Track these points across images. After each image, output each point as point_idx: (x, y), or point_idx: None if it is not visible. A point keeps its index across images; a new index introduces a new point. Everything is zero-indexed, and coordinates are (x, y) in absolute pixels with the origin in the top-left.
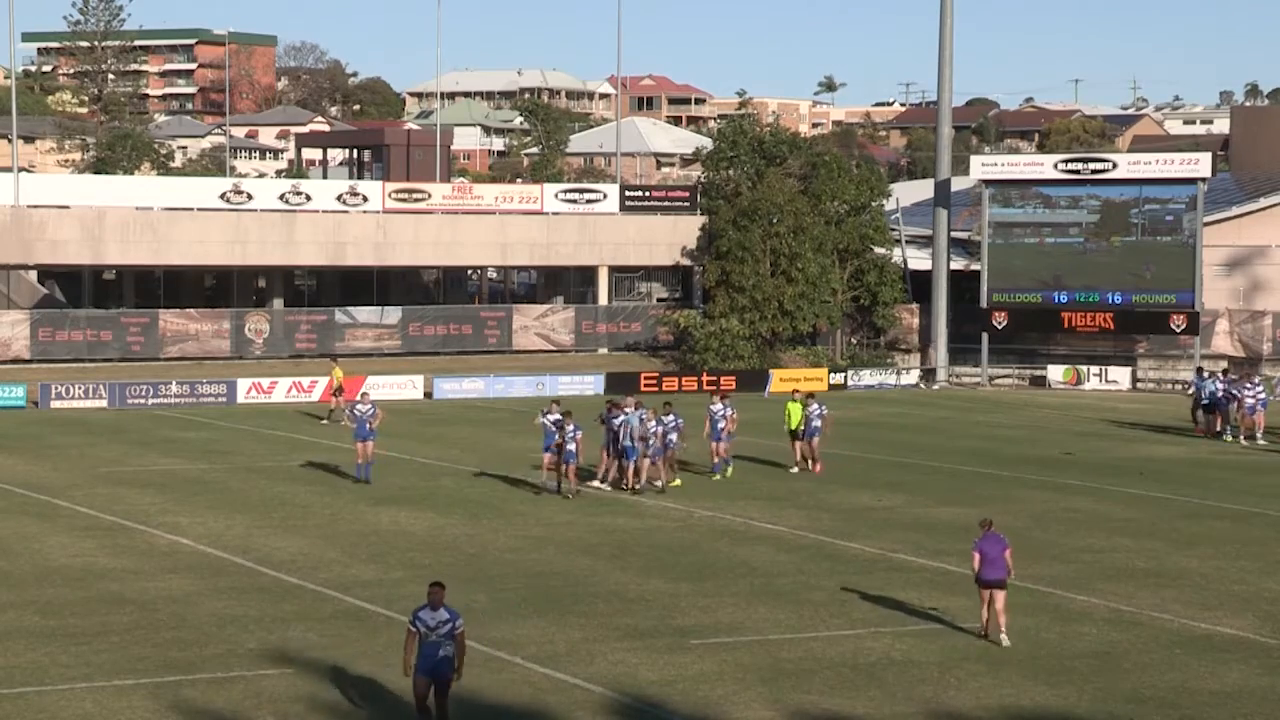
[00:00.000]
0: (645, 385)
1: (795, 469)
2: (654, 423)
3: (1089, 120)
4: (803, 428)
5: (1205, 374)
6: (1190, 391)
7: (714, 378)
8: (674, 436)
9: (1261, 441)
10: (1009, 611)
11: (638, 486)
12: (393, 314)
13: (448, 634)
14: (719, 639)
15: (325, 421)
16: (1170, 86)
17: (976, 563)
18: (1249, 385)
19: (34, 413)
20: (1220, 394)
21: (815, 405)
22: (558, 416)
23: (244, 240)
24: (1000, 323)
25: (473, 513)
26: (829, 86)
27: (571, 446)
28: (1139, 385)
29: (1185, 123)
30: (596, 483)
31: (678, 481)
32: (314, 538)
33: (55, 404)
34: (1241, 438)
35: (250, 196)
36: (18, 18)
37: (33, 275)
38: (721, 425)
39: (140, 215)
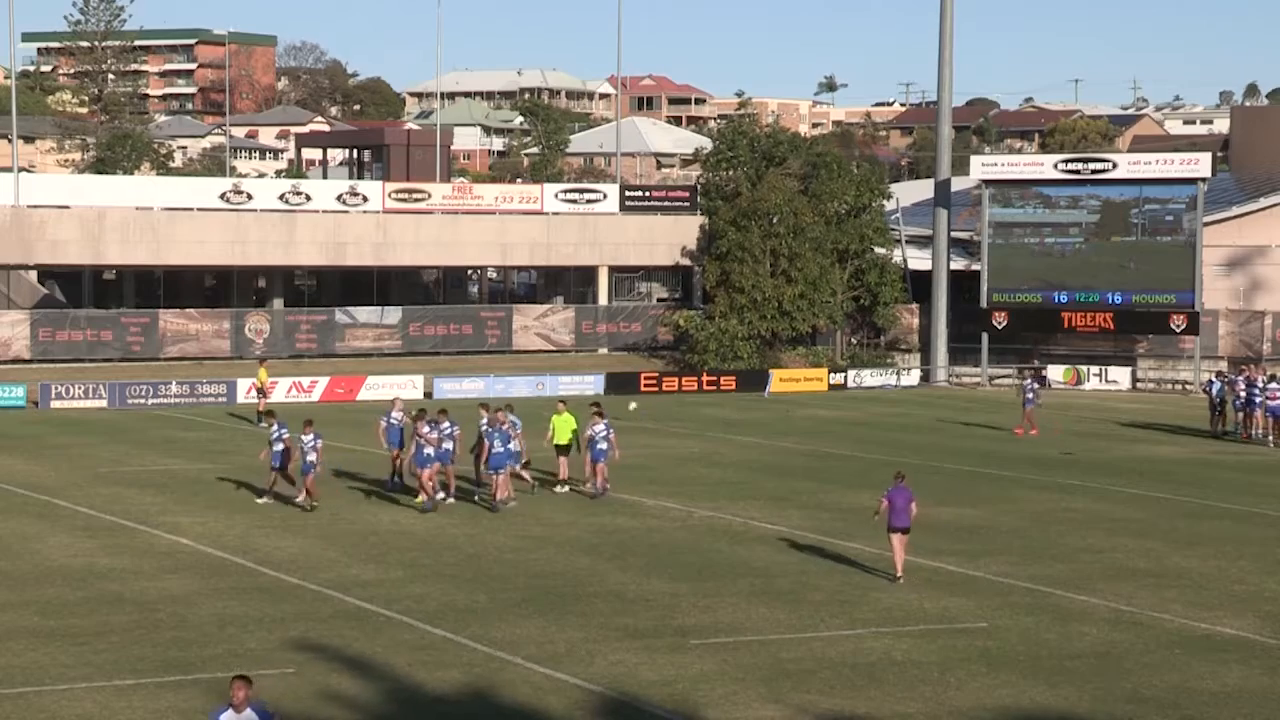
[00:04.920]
0: (645, 385)
1: (563, 488)
2: (427, 427)
3: (1092, 120)
4: (585, 448)
5: (1220, 377)
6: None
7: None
8: (448, 445)
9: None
10: (907, 553)
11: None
12: (393, 314)
13: None
14: (719, 639)
15: (263, 425)
16: (1170, 86)
17: (883, 508)
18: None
19: (34, 413)
20: (1219, 395)
21: (601, 425)
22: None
23: (244, 240)
24: (1000, 323)
25: (473, 513)
26: (829, 86)
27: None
28: (1139, 385)
29: (1185, 123)
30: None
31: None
32: (314, 538)
33: (55, 404)
34: (1271, 440)
35: (250, 196)
36: (18, 18)
37: (33, 275)
38: (503, 445)
39: (140, 215)
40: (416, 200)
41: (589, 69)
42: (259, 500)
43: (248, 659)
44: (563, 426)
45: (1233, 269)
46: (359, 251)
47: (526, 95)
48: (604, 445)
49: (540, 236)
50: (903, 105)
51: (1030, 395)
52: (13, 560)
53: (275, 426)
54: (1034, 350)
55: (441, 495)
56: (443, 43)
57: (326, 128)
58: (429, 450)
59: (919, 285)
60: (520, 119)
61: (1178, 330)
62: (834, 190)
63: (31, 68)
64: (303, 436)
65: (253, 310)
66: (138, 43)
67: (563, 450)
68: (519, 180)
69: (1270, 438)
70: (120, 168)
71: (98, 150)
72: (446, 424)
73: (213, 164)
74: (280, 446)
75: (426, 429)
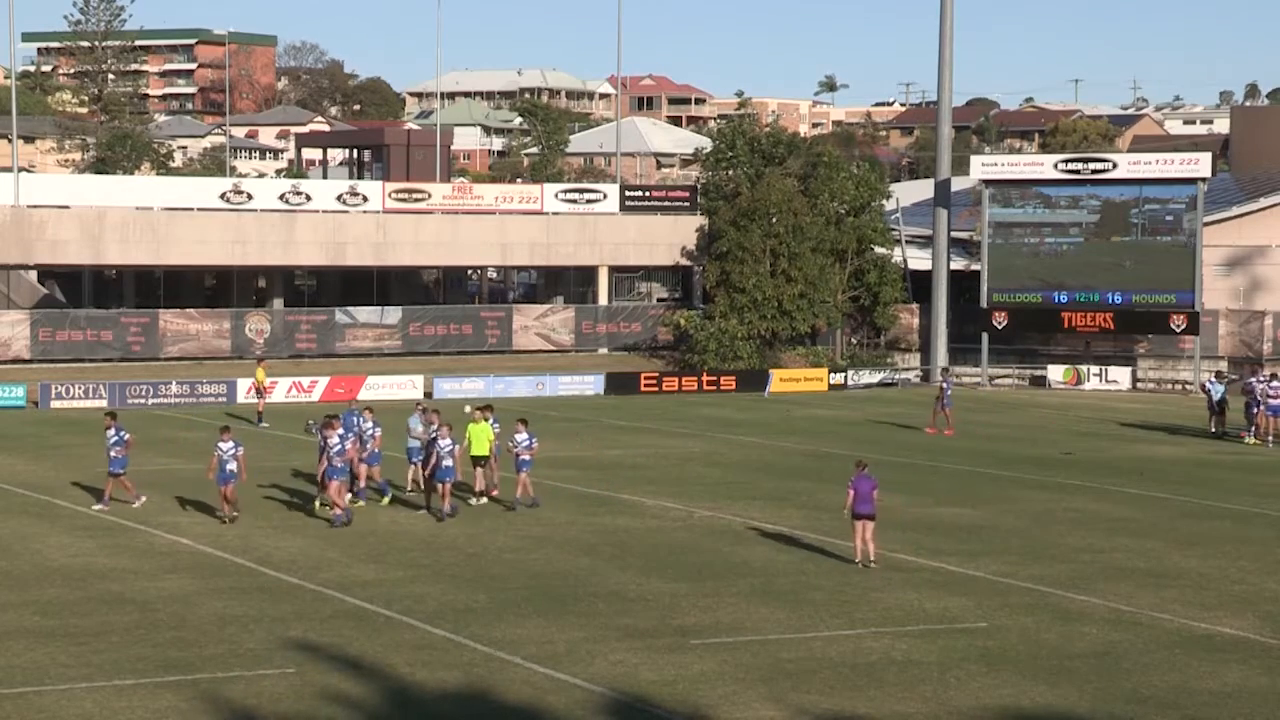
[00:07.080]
0: (645, 385)
1: (479, 500)
2: (336, 438)
3: (1092, 120)
4: (496, 456)
5: (1222, 377)
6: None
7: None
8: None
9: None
10: (876, 540)
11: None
12: (393, 314)
13: None
14: (719, 639)
15: (265, 425)
16: (1170, 86)
17: (850, 499)
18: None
19: (34, 413)
20: (1223, 395)
21: (524, 435)
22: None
23: (244, 240)
24: (1000, 323)
25: (473, 513)
26: (829, 86)
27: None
28: (1139, 385)
29: (1185, 123)
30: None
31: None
32: (314, 538)
33: (55, 404)
34: (1269, 439)
35: (250, 196)
36: (18, 18)
37: (33, 275)
38: (340, 456)
39: (140, 215)
40: (416, 200)
41: (589, 69)
42: (93, 508)
43: (248, 659)
44: (479, 435)
45: (1233, 269)
46: (359, 251)
47: (526, 95)
48: (526, 456)
49: (540, 236)
50: (903, 105)
51: (947, 393)
52: (13, 560)
53: (113, 430)
54: (1035, 350)
55: (339, 512)
56: (443, 43)
57: (326, 128)
58: (339, 463)
59: (919, 285)
60: (520, 119)
61: (1178, 330)
62: (833, 190)
63: (31, 68)
64: (221, 444)
65: (253, 310)
66: (138, 43)
67: (479, 461)
68: (519, 180)
69: (1270, 437)
70: (120, 168)
71: (98, 150)
72: (340, 433)
73: (213, 164)
74: (115, 452)
75: (336, 441)
